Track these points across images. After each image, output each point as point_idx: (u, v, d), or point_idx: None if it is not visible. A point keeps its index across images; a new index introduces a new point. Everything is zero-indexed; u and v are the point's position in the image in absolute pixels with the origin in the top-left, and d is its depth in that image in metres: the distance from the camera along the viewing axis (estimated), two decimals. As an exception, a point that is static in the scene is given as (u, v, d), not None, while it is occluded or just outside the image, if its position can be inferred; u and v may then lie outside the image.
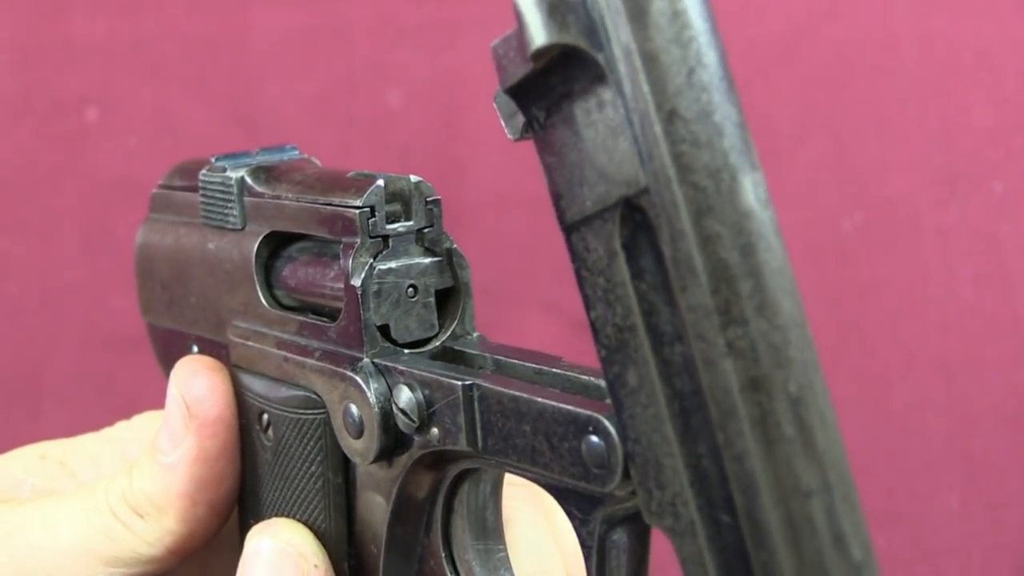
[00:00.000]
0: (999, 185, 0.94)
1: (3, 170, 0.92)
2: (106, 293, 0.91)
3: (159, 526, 0.46)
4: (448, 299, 0.42)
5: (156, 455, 0.46)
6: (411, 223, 0.42)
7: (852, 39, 0.94)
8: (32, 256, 0.91)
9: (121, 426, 0.54)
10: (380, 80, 0.92)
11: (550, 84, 0.32)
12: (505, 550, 0.42)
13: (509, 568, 0.42)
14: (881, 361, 0.93)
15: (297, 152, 0.49)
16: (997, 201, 0.93)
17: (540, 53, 0.31)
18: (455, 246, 0.42)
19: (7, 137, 0.92)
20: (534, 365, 0.38)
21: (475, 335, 0.42)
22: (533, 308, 0.87)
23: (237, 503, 0.48)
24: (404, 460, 0.40)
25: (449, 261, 0.42)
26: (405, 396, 0.39)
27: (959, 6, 0.94)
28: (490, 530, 0.42)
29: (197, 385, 0.46)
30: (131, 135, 0.92)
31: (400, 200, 0.42)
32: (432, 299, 0.42)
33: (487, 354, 0.40)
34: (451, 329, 0.42)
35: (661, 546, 0.35)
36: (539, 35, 0.31)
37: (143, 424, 0.54)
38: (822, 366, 0.29)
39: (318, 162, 0.49)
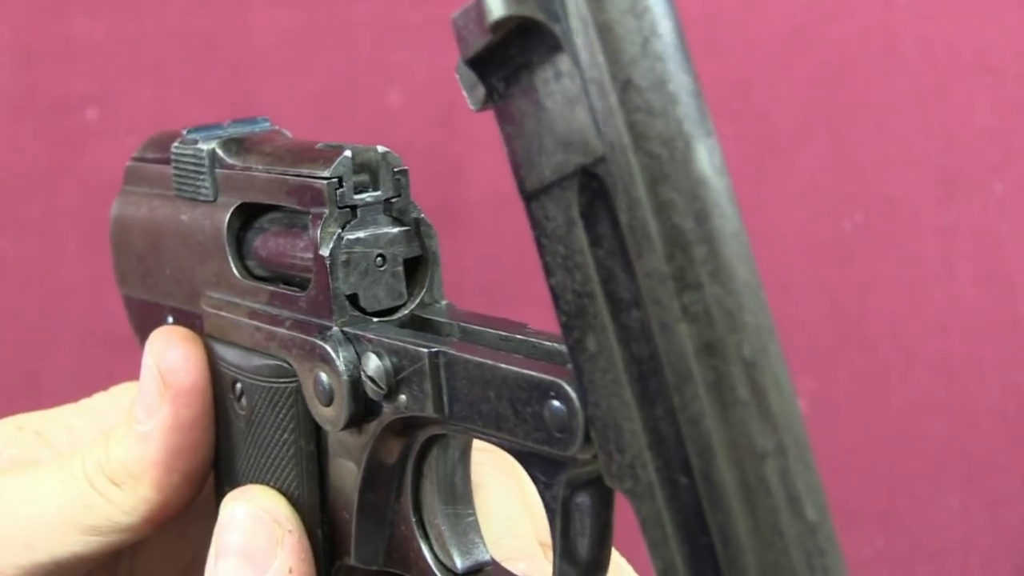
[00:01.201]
0: (999, 185, 0.94)
1: (3, 170, 0.92)
2: (106, 293, 0.91)
3: (135, 494, 0.46)
4: (416, 268, 0.43)
5: (132, 424, 0.47)
6: (379, 193, 0.42)
7: (852, 39, 0.94)
8: (32, 256, 0.92)
9: (99, 397, 0.54)
10: (380, 80, 0.92)
11: (508, 55, 0.33)
12: (474, 514, 0.43)
13: (478, 531, 0.43)
14: (881, 361, 0.93)
15: (268, 124, 0.49)
16: (997, 201, 0.94)
17: (498, 24, 0.32)
18: (423, 215, 0.43)
19: (7, 137, 0.92)
20: (499, 332, 0.39)
21: (443, 303, 0.43)
22: (532, 307, 0.87)
23: (212, 471, 0.49)
24: (373, 427, 0.41)
25: (417, 230, 0.43)
26: (373, 363, 0.40)
27: (959, 6, 0.94)
28: (459, 495, 0.43)
29: (171, 355, 0.46)
30: (131, 135, 0.92)
31: (368, 170, 0.42)
32: (400, 268, 0.42)
33: (454, 321, 0.41)
34: (419, 297, 0.43)
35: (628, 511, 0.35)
36: (496, 7, 0.32)
37: (121, 394, 0.54)
38: (777, 331, 0.30)
39: (289, 134, 0.49)
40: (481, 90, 0.34)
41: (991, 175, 0.94)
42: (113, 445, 0.47)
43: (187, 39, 0.92)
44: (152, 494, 0.46)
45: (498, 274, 0.89)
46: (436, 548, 0.42)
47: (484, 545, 0.43)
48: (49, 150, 0.92)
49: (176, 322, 0.50)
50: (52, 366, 0.91)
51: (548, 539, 0.48)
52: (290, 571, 0.43)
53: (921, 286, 0.93)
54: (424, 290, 0.43)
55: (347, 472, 0.43)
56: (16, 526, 0.47)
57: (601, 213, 0.32)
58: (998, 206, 0.93)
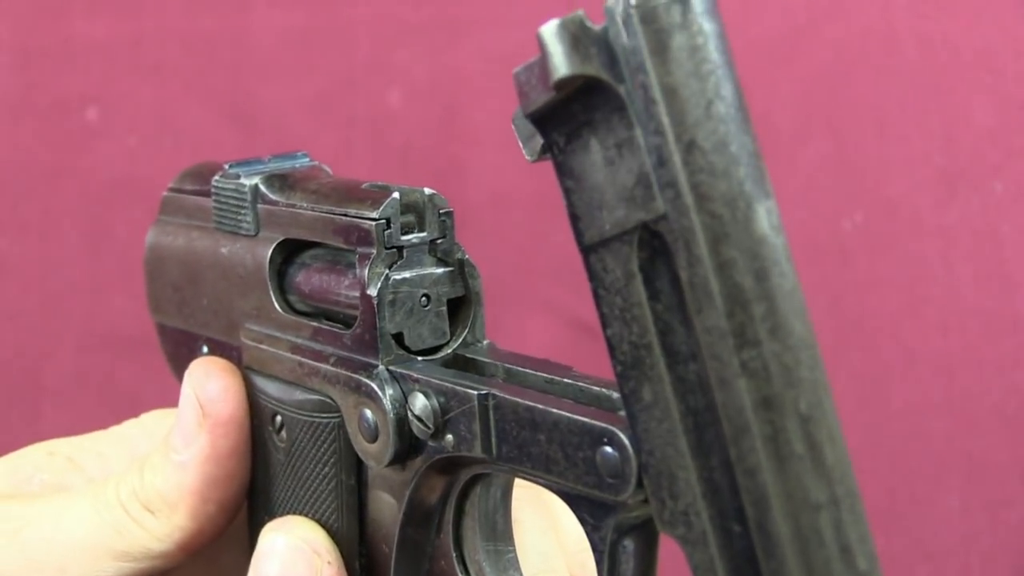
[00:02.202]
0: (999, 185, 0.94)
1: (3, 170, 0.92)
2: (106, 293, 0.91)
3: (169, 522, 0.47)
4: (459, 308, 0.44)
5: (168, 453, 0.47)
6: (424, 235, 0.43)
7: (852, 39, 0.94)
8: (32, 256, 0.92)
9: (129, 424, 0.54)
10: (380, 80, 0.92)
11: (571, 112, 0.33)
12: (514, 551, 0.43)
13: (518, 568, 0.43)
14: (881, 361, 0.93)
15: (308, 159, 0.50)
16: (997, 201, 0.94)
17: (563, 83, 0.32)
18: (467, 257, 0.44)
19: (7, 137, 0.92)
20: (545, 375, 0.39)
21: (485, 343, 0.44)
22: (534, 308, 0.87)
23: (247, 500, 0.49)
24: (417, 464, 0.42)
25: (461, 271, 0.43)
26: (420, 403, 0.40)
27: (959, 6, 0.94)
28: (500, 532, 0.43)
29: (211, 386, 0.47)
30: (131, 135, 0.92)
31: (414, 211, 0.43)
32: (444, 308, 0.43)
33: (498, 362, 0.41)
34: (462, 337, 0.43)
35: (667, 551, 0.36)
36: (562, 65, 0.32)
37: (151, 422, 0.54)
38: (831, 388, 0.31)
39: (329, 169, 0.50)
40: (539, 141, 0.35)
41: (991, 175, 0.94)
42: (148, 473, 0.47)
43: (187, 39, 0.92)
44: (187, 522, 0.47)
45: (499, 275, 0.89)
46: None
47: None
48: (49, 150, 0.92)
49: (211, 352, 0.51)
50: (52, 366, 0.91)
51: (579, 575, 0.48)
52: None
53: (921, 286, 0.93)
54: (467, 330, 0.43)
55: (386, 506, 0.43)
56: (49, 551, 0.47)
57: (660, 268, 0.33)
58: (998, 206, 0.93)
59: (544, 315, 0.87)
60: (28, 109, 0.92)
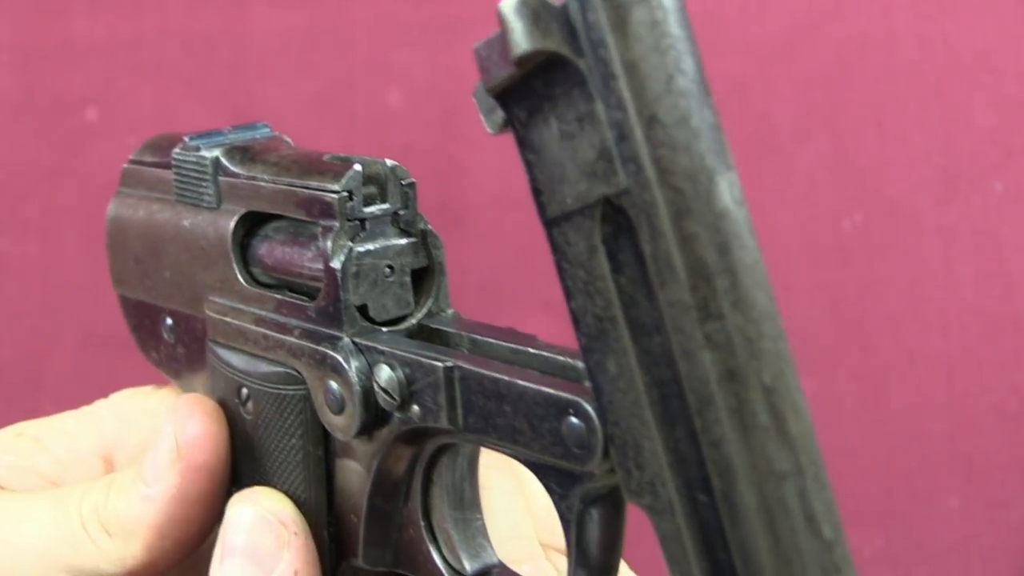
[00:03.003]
0: (999, 185, 0.94)
1: (3, 170, 0.92)
2: (106, 293, 0.91)
3: (124, 549, 0.46)
4: (423, 278, 0.44)
5: (137, 481, 0.47)
6: (387, 206, 0.43)
7: (852, 39, 0.94)
8: (32, 256, 0.92)
9: (99, 403, 0.54)
10: (380, 80, 0.92)
11: (532, 87, 0.33)
12: (482, 518, 0.44)
13: (486, 536, 0.43)
14: (881, 361, 0.93)
15: (268, 129, 0.50)
16: (997, 201, 0.94)
17: (523, 59, 0.32)
18: (430, 227, 0.43)
19: (7, 137, 0.92)
20: (510, 344, 0.40)
21: (450, 312, 0.44)
22: (533, 307, 0.87)
23: None
24: (384, 435, 0.42)
25: (424, 242, 0.43)
26: (386, 375, 0.40)
27: (959, 6, 0.94)
28: (467, 501, 0.44)
29: (192, 429, 0.46)
30: (131, 135, 0.92)
31: (376, 183, 0.43)
32: (408, 278, 0.43)
33: (463, 332, 0.42)
34: (427, 307, 0.43)
35: (635, 520, 0.36)
36: (523, 41, 0.32)
37: (121, 401, 0.54)
38: (794, 359, 0.31)
39: (290, 140, 0.50)
40: (500, 115, 0.35)
41: (991, 175, 0.94)
42: (114, 494, 0.47)
43: (187, 39, 0.92)
44: (140, 553, 0.46)
45: (499, 274, 0.90)
46: (445, 551, 0.43)
47: (491, 548, 0.43)
48: (49, 150, 0.92)
49: (176, 324, 0.51)
50: (52, 366, 0.91)
51: (548, 540, 0.48)
52: (295, 573, 0.44)
53: (921, 286, 0.93)
54: (431, 299, 0.43)
55: (354, 475, 0.43)
56: (3, 552, 0.47)
57: (623, 242, 0.33)
58: (998, 206, 0.93)
59: (544, 315, 0.87)
60: (28, 109, 0.92)
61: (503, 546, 0.45)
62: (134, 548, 0.46)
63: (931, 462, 0.93)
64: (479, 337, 0.41)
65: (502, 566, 0.43)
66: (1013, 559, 0.93)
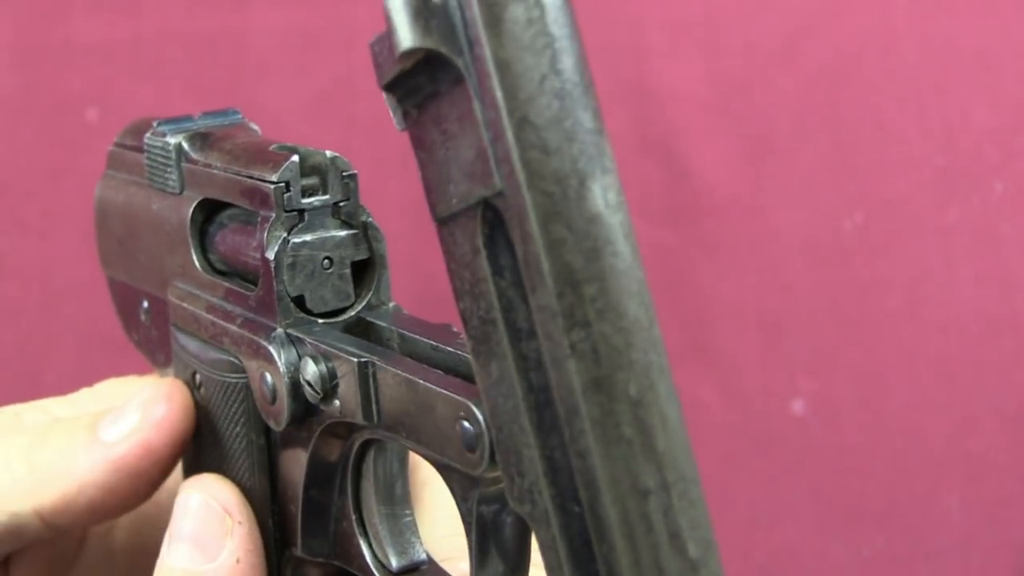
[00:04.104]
0: (999, 185, 0.94)
1: (3, 170, 0.92)
2: (106, 293, 0.91)
3: (40, 492, 0.46)
4: (365, 270, 0.44)
5: (86, 434, 0.46)
6: (327, 197, 0.43)
7: (852, 39, 0.94)
8: (32, 256, 0.92)
9: (83, 391, 0.54)
10: (380, 80, 0.92)
11: (418, 84, 0.33)
12: (412, 515, 0.44)
13: (415, 531, 0.44)
14: (881, 361, 0.93)
15: (239, 116, 0.50)
16: (997, 201, 0.93)
17: (406, 55, 0.32)
18: (371, 219, 0.43)
19: (7, 137, 0.92)
20: (431, 341, 0.40)
21: (391, 305, 0.44)
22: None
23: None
24: (315, 427, 0.42)
25: (364, 234, 0.43)
26: (311, 368, 0.41)
27: (959, 6, 0.94)
28: (398, 497, 0.44)
29: (158, 411, 0.46)
30: (131, 135, 0.92)
31: (317, 173, 0.43)
32: (348, 271, 0.43)
33: (395, 327, 0.42)
34: (367, 299, 0.43)
35: None
36: (405, 38, 0.32)
37: (106, 389, 0.55)
38: (670, 366, 0.30)
39: (257, 128, 0.50)
40: (401, 113, 0.34)
41: (991, 175, 0.94)
42: (57, 436, 0.47)
43: (187, 39, 0.92)
44: (54, 501, 0.46)
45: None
46: (375, 546, 0.43)
47: (421, 544, 0.44)
48: (49, 150, 0.92)
49: (151, 307, 0.51)
50: (52, 366, 0.91)
51: None
52: (237, 561, 0.44)
53: (921, 286, 0.93)
54: (371, 292, 0.43)
55: (294, 466, 0.44)
56: None
57: (502, 244, 0.32)
58: (998, 206, 0.93)
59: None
60: (28, 109, 0.92)
61: (442, 542, 0.45)
62: (51, 494, 0.46)
63: (931, 462, 0.93)
64: (407, 333, 0.41)
65: (431, 563, 0.43)
66: (1013, 559, 0.93)
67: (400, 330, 0.41)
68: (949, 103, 0.93)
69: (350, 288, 0.43)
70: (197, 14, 0.92)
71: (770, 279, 0.93)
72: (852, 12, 0.94)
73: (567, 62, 0.30)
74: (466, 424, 0.35)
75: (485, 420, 0.34)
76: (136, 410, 0.46)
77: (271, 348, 0.42)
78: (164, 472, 0.47)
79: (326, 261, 0.43)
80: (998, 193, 0.94)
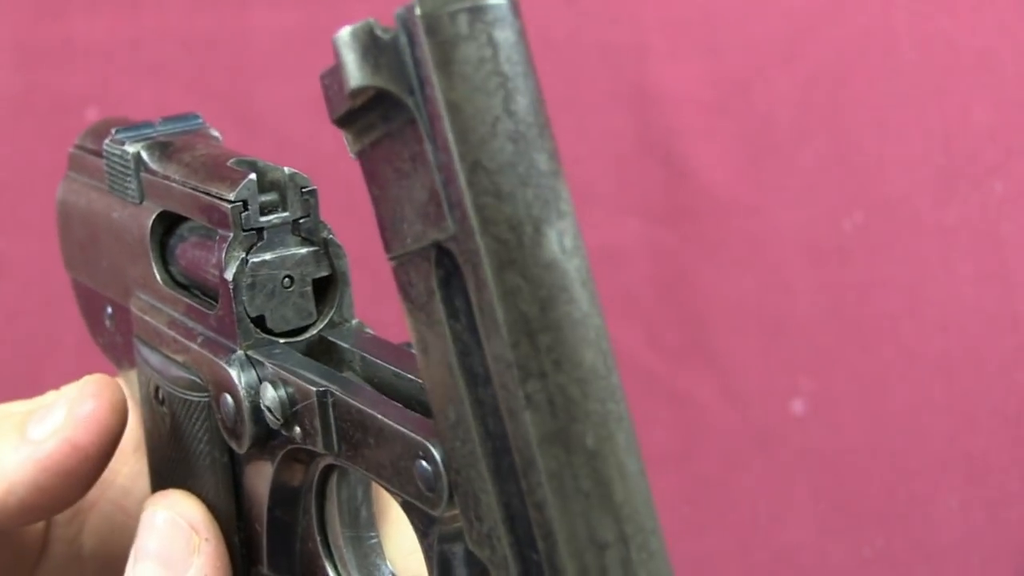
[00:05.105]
0: (999, 185, 0.94)
1: (3, 170, 0.92)
2: (106, 293, 0.91)
3: None
4: (327, 287, 0.43)
5: (16, 432, 0.45)
6: (286, 214, 0.42)
7: (852, 39, 0.94)
8: (32, 256, 0.91)
9: (51, 394, 0.54)
10: (380, 80, 0.92)
11: (370, 121, 0.32)
12: (377, 537, 0.43)
13: (381, 553, 0.43)
14: (881, 361, 0.93)
15: (200, 121, 0.49)
16: (997, 201, 0.93)
17: (356, 92, 0.31)
18: (332, 236, 0.42)
19: (8, 137, 0.92)
20: (393, 368, 0.39)
21: (354, 322, 0.43)
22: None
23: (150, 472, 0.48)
24: (277, 450, 0.41)
25: (326, 251, 0.42)
26: (270, 394, 0.40)
27: (959, 6, 0.94)
28: (363, 521, 0.43)
29: (86, 407, 0.45)
30: (131, 135, 0.92)
31: (276, 190, 0.42)
32: (309, 288, 0.42)
33: (356, 349, 0.41)
34: (329, 316, 0.42)
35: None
36: (354, 76, 0.31)
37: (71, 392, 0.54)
38: (630, 413, 0.30)
39: (218, 135, 0.49)
40: (356, 148, 0.34)
41: (991, 175, 0.94)
42: None
43: (187, 39, 0.92)
44: None
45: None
46: (339, 568, 0.42)
47: (387, 566, 0.43)
48: (49, 150, 0.92)
49: (114, 313, 0.50)
50: (52, 366, 0.91)
51: None
52: None
53: (921, 286, 0.93)
54: (334, 309, 0.42)
55: (260, 485, 0.43)
56: None
57: (456, 288, 0.31)
58: (998, 206, 0.93)
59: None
60: (28, 109, 0.92)
61: (408, 559, 0.44)
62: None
63: (931, 462, 0.93)
64: (369, 356, 0.40)
65: None
66: (1013, 559, 0.93)
67: (362, 352, 0.40)
68: (949, 103, 0.93)
69: (312, 306, 0.42)
70: (197, 14, 0.92)
71: (770, 279, 0.93)
72: (852, 12, 0.94)
73: (521, 103, 0.29)
74: (423, 464, 0.34)
75: (444, 461, 0.33)
76: (62, 407, 0.45)
77: (232, 372, 0.41)
78: (95, 470, 0.45)
79: (287, 279, 0.42)
80: (998, 193, 0.94)
